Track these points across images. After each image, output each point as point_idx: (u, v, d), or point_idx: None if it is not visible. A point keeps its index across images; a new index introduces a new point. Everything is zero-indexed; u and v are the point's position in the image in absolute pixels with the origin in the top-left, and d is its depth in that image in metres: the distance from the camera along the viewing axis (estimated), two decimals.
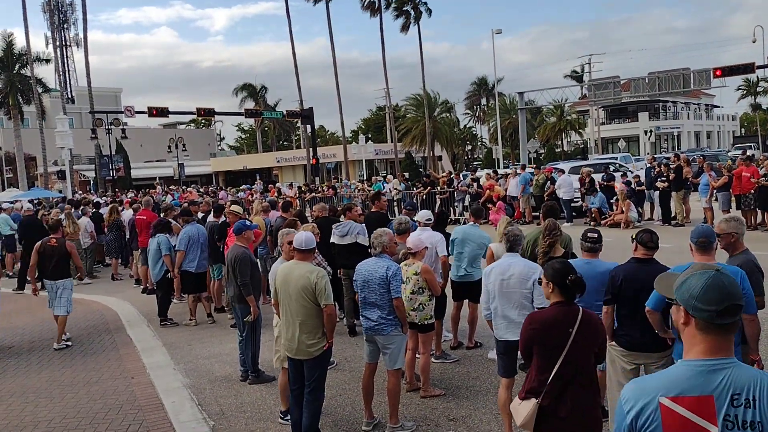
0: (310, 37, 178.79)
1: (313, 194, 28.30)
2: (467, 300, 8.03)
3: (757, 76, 71.81)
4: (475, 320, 7.96)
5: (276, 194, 26.28)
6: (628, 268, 4.93)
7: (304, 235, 5.72)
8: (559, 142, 63.28)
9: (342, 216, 9.50)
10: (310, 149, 39.87)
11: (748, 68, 27.66)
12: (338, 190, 27.73)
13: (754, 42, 36.97)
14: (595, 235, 5.47)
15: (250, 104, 65.39)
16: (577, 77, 66.51)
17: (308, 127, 39.33)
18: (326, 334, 5.55)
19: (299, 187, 32.54)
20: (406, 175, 34.58)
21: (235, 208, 10.36)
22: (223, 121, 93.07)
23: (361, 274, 5.92)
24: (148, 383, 7.60)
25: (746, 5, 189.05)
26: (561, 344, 3.75)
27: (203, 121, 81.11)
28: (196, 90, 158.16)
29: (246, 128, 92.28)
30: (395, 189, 25.09)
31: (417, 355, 6.71)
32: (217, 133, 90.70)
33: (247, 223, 8.31)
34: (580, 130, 63.65)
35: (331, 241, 8.95)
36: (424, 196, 23.56)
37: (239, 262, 7.30)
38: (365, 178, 43.04)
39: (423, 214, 7.78)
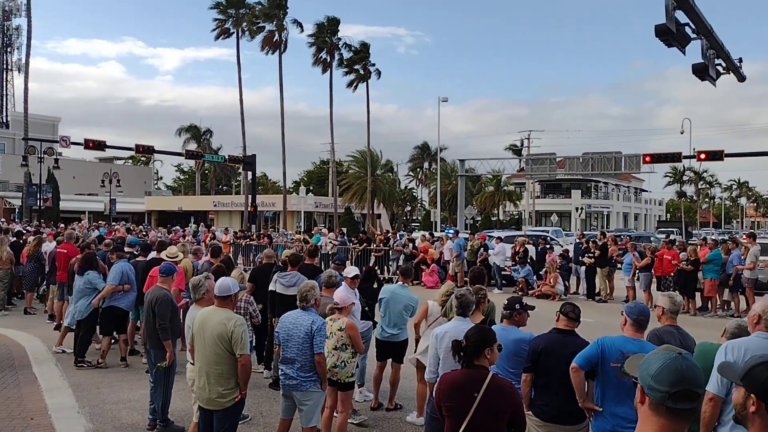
0: (260, 85, 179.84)
1: (248, 241, 27.90)
2: (391, 360, 7.94)
3: (684, 166, 76.30)
4: (397, 381, 7.87)
5: (210, 238, 25.78)
6: (550, 338, 5.00)
7: (223, 282, 5.59)
8: (496, 211, 64.88)
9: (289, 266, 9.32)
10: (250, 196, 39.49)
11: (676, 157, 29.25)
12: (274, 239, 27.41)
13: (682, 133, 39.30)
14: (516, 303, 5.55)
15: (192, 146, 64.68)
16: (516, 150, 68.74)
17: (249, 173, 39.05)
18: (240, 385, 5.38)
19: (234, 233, 32.03)
20: (344, 230, 34.58)
21: (171, 249, 10.04)
22: (162, 161, 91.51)
23: (285, 327, 5.80)
24: (48, 425, 7.12)
25: (675, 99, 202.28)
26: (466, 407, 3.74)
27: (141, 158, 79.52)
28: (136, 126, 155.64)
29: (186, 169, 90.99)
30: (331, 243, 25.01)
31: (335, 414, 6.56)
32: (154, 172, 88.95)
33: (174, 265, 8.09)
34: (516, 201, 65.50)
35: (272, 289, 8.80)
36: (359, 253, 23.56)
37: (160, 303, 7.05)
38: (303, 230, 42.81)
39: (349, 270, 7.73)
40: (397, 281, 8.22)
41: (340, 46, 49.80)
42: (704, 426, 3.97)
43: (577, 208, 57.69)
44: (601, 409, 4.51)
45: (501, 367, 5.30)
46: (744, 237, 18.19)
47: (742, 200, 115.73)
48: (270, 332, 8.70)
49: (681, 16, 11.74)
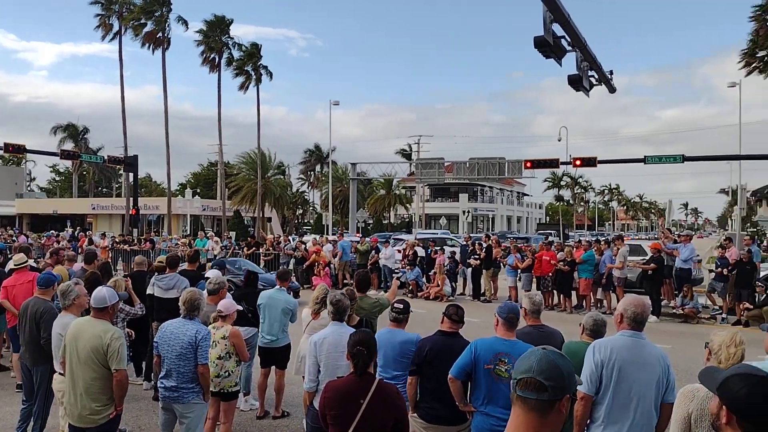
0: (143, 83, 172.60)
1: (129, 246, 26.57)
2: (274, 367, 7.77)
3: (561, 171, 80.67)
4: (282, 388, 7.71)
5: (87, 243, 24.30)
6: (435, 341, 5.05)
7: (98, 292, 5.23)
8: (387, 214, 65.69)
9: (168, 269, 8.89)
10: (131, 198, 37.64)
11: (554, 163, 30.80)
12: (156, 244, 26.27)
13: (559, 140, 41.57)
14: (401, 306, 5.56)
15: (69, 145, 60.89)
16: (406, 155, 69.95)
17: (131, 174, 37.19)
18: (115, 401, 5.05)
19: (113, 238, 30.42)
20: (232, 234, 33.72)
21: (18, 256, 9.20)
22: (35, 161, 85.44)
23: (165, 336, 5.52)
24: None
25: (550, 109, 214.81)
26: (351, 415, 3.70)
27: (12, 158, 73.89)
28: (5, 124, 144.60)
29: (62, 171, 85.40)
30: (218, 247, 24.29)
31: (218, 425, 6.33)
32: (27, 172, 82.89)
33: (53, 274, 7.48)
34: (407, 205, 66.65)
35: (149, 293, 8.38)
36: (247, 257, 23.04)
37: (46, 318, 6.43)
38: (188, 234, 41.35)
39: (215, 275, 7.46)
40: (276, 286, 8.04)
41: (230, 45, 48.58)
42: (576, 424, 4.14)
43: (464, 212, 59.50)
44: (476, 410, 4.61)
45: (386, 370, 5.31)
46: (615, 239, 19.41)
47: (614, 204, 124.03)
48: (151, 341, 8.28)
49: (558, 29, 12.33)
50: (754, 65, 44.39)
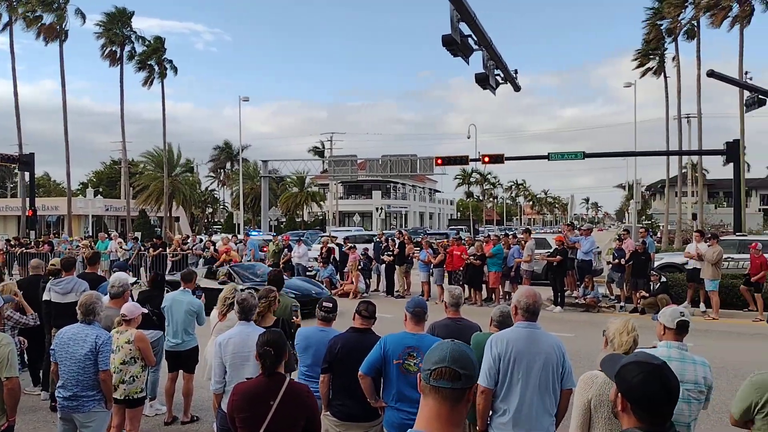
0: (38, 77, 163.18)
1: (25, 249, 25.06)
2: (182, 371, 7.53)
3: (471, 168, 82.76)
4: (190, 392, 7.48)
5: None
6: (346, 338, 5.03)
7: None
8: (300, 212, 65.20)
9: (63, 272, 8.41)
10: (27, 199, 35.53)
11: (463, 160, 31.55)
12: (56, 246, 24.90)
13: (468, 138, 42.52)
14: (330, 304, 5.52)
15: None
16: (319, 152, 69.66)
17: (27, 174, 35.08)
18: (6, 412, 4.74)
19: (7, 241, 28.61)
20: (137, 234, 32.47)
21: None
22: None
23: (63, 343, 5.23)
24: None
25: (459, 108, 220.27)
26: (261, 416, 3.63)
27: None
28: None
29: None
30: (122, 249, 23.30)
31: None
32: None
33: None
34: (320, 202, 66.42)
35: (46, 299, 7.91)
36: (153, 258, 22.24)
37: None
38: (89, 235, 39.53)
39: (118, 278, 7.15)
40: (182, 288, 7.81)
41: (132, 38, 46.65)
42: (479, 417, 4.25)
43: (377, 208, 59.89)
44: (387, 405, 4.64)
45: (314, 369, 5.24)
46: (522, 233, 20.07)
47: (520, 199, 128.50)
48: (47, 348, 7.84)
49: (465, 28, 12.62)
50: (647, 66, 47.03)
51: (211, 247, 22.10)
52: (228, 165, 72.08)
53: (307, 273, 21.11)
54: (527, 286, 4.68)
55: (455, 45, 12.26)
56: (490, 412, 4.20)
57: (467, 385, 1.97)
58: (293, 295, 13.49)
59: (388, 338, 4.67)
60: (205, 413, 7.51)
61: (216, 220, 75.92)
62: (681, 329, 4.07)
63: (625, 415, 2.17)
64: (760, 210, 74.17)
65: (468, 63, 13.73)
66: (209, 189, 73.38)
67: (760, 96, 19.83)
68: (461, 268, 17.89)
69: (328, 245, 21.64)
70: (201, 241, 24.32)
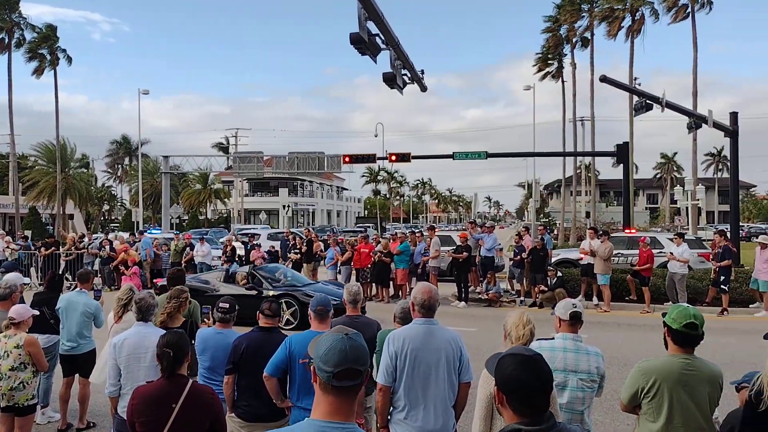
0: None
1: None
2: (78, 375, 7.17)
3: (378, 166, 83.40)
4: (87, 398, 7.13)
5: None
6: (252, 337, 4.95)
7: None
8: (204, 210, 63.46)
9: None
10: None
11: (371, 158, 31.74)
12: None
13: (375, 136, 42.79)
14: (227, 305, 5.38)
15: None
16: (223, 148, 68.04)
17: None
18: None
19: None
20: (27, 233, 30.56)
21: None
22: None
23: None
24: None
25: (366, 106, 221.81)
26: (163, 420, 3.53)
27: None
28: None
29: None
30: (9, 248, 21.86)
31: None
32: None
33: None
34: (225, 200, 64.89)
35: None
36: (45, 258, 21.01)
37: None
38: None
39: (7, 278, 6.75)
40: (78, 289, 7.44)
41: (22, 25, 43.78)
42: (379, 414, 4.31)
43: (284, 206, 59.28)
44: (293, 405, 4.61)
45: (218, 372, 5.11)
46: (427, 230, 20.44)
47: (426, 197, 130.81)
48: None
49: (372, 27, 12.71)
50: (546, 71, 49.10)
51: (107, 246, 21.13)
52: (126, 160, 69.15)
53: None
54: (424, 282, 4.76)
55: (363, 43, 12.32)
56: (390, 408, 4.25)
57: (365, 377, 2.07)
58: (335, 302, 12.84)
59: (293, 338, 4.64)
60: (102, 419, 7.18)
61: (113, 217, 72.55)
62: (574, 320, 4.28)
63: (503, 409, 2.20)
64: (646, 208, 79.12)
65: (375, 62, 13.84)
66: (106, 185, 70.11)
67: (647, 101, 21.14)
68: (369, 266, 18.02)
69: (233, 243, 21.19)
70: (97, 239, 23.21)
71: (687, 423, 3.60)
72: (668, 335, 3.73)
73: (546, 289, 16.17)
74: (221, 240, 24.18)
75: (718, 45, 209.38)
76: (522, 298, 17.16)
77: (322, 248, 20.22)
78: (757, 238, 17.73)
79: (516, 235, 19.59)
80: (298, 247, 19.94)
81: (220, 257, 21.35)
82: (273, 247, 21.06)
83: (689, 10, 38.59)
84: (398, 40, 14.06)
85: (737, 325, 13.47)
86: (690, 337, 3.63)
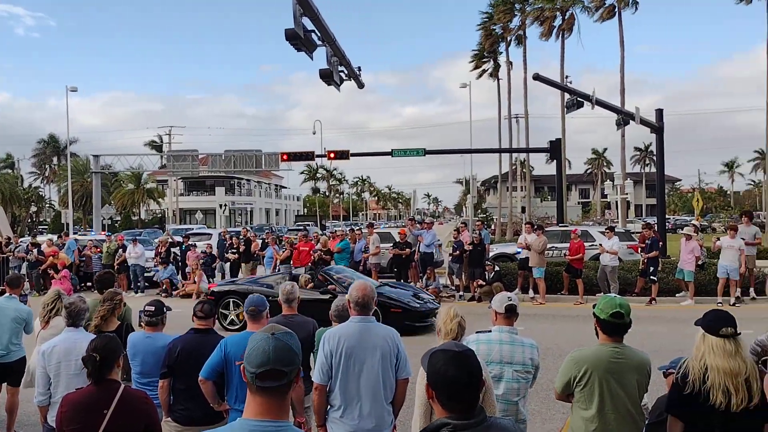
0: None
1: None
2: (6, 384, 6.84)
3: (317, 164, 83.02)
4: (15, 407, 6.81)
5: None
6: (187, 339, 4.85)
7: None
8: (137, 210, 61.69)
9: None
10: None
11: (309, 156, 31.49)
12: None
13: (314, 134, 42.51)
14: (152, 308, 5.22)
15: None
16: (157, 146, 66.35)
17: None
18: None
19: None
20: None
21: None
22: None
23: None
24: None
25: (303, 103, 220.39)
26: (94, 427, 3.40)
27: None
28: None
29: None
30: None
31: None
32: None
33: None
34: (159, 200, 63.23)
35: None
36: None
37: None
38: None
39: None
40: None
41: None
42: (316, 413, 4.30)
43: (221, 205, 58.29)
44: (231, 408, 4.54)
45: (147, 376, 4.97)
46: (367, 228, 20.47)
47: (366, 195, 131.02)
48: None
49: (308, 24, 12.61)
50: (482, 68, 49.84)
51: (35, 250, 20.29)
52: (54, 160, 66.55)
53: (146, 275, 20.05)
54: (360, 280, 4.77)
55: (298, 40, 12.21)
56: (328, 407, 4.24)
57: (292, 377, 2.04)
58: (397, 307, 12.07)
59: (228, 340, 4.56)
60: (32, 428, 6.88)
61: (42, 219, 69.70)
62: (509, 313, 4.37)
63: (434, 403, 2.21)
64: (579, 203, 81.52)
65: (312, 58, 13.74)
66: (33, 186, 67.22)
67: (578, 98, 21.75)
68: (309, 264, 17.90)
69: (168, 243, 20.67)
70: (24, 242, 22.24)
71: (617, 409, 3.72)
72: (597, 325, 3.85)
73: (484, 283, 16.45)
74: (155, 240, 23.52)
75: (645, 45, 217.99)
76: (461, 293, 17.40)
77: (260, 247, 19.97)
78: (682, 230, 18.51)
79: (455, 230, 19.84)
80: (235, 246, 19.62)
81: (153, 258, 20.76)
82: (210, 246, 20.62)
83: (616, 9, 39.93)
84: (334, 37, 14.00)
85: (665, 314, 14.03)
86: (617, 326, 3.76)
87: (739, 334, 3.42)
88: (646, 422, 3.95)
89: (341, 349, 4.12)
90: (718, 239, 15.72)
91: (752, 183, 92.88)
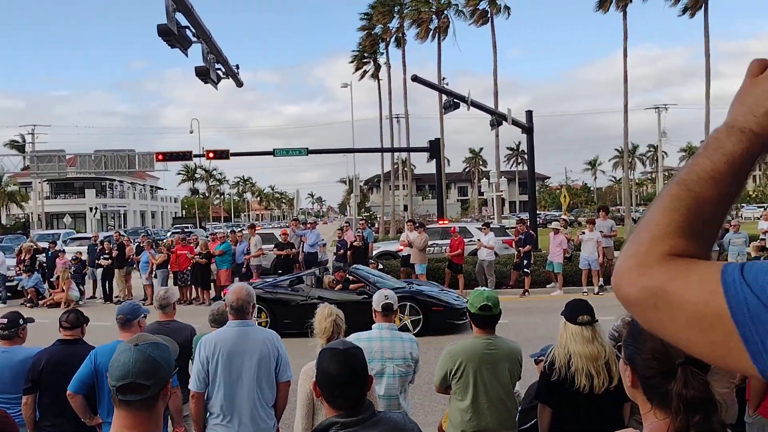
0: None
1: None
2: None
3: (195, 164, 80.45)
4: None
5: None
6: (53, 351, 4.59)
7: None
8: None
9: None
10: None
11: (187, 156, 30.39)
12: None
13: (191, 133, 41.22)
14: (5, 321, 4.83)
15: None
16: (19, 146, 61.58)
17: None
18: None
19: None
20: None
21: None
22: None
23: None
24: None
25: (179, 101, 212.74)
26: None
27: None
28: None
29: None
30: None
31: None
32: None
33: None
34: (22, 203, 58.73)
35: None
36: None
37: None
38: None
39: None
40: None
41: None
42: (194, 421, 4.19)
43: (91, 208, 55.03)
44: (104, 422, 4.33)
45: (7, 395, 4.61)
46: (248, 229, 20.09)
47: (248, 195, 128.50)
48: None
49: (182, 19, 12.18)
50: (363, 69, 50.35)
51: None
52: None
53: (8, 284, 18.58)
54: (241, 284, 4.70)
55: (172, 36, 11.77)
56: (207, 414, 4.14)
57: (157, 390, 1.98)
58: (439, 306, 11.58)
59: (99, 350, 4.35)
60: None
61: None
62: (387, 311, 4.47)
63: (323, 401, 2.26)
64: (458, 200, 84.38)
65: (187, 55, 13.31)
66: None
67: (455, 100, 22.51)
68: (188, 268, 17.33)
69: (32, 250, 19.24)
70: None
71: (490, 399, 3.91)
72: (470, 319, 4.03)
73: None
74: (18, 247, 21.83)
75: (516, 48, 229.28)
76: None
77: (135, 252, 19.07)
78: (551, 224, 19.66)
79: (338, 230, 19.92)
80: (107, 252, 18.60)
81: (15, 266, 19.25)
82: (80, 253, 19.43)
83: (489, 15, 41.67)
84: (210, 33, 13.63)
85: (538, 304, 14.83)
86: (486, 318, 3.95)
87: (596, 321, 3.69)
88: (519, 408, 4.17)
89: (218, 354, 4.03)
90: (583, 233, 16.84)
91: (613, 179, 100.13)
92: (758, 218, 20.20)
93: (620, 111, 35.91)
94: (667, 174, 63.57)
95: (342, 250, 17.50)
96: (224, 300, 4.36)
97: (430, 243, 17.48)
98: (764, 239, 17.11)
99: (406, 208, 49.80)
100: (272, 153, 28.00)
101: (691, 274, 0.82)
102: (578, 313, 3.65)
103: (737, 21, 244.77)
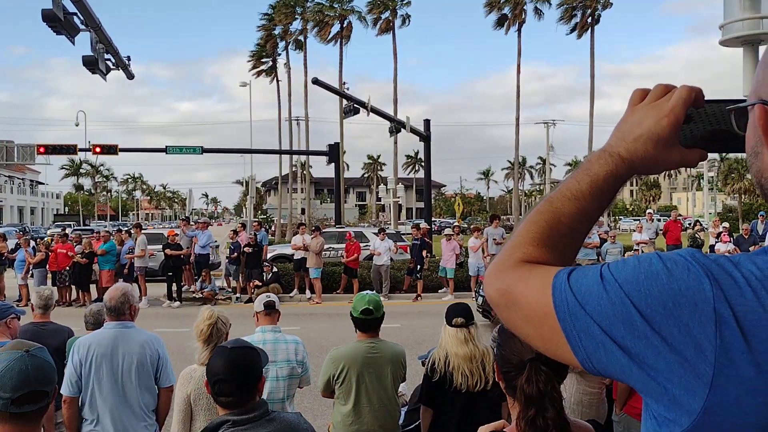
0: None
1: None
2: None
3: (80, 158, 76.26)
4: None
5: None
6: None
7: None
8: None
9: None
10: None
11: (71, 149, 28.74)
12: None
13: (77, 125, 38.98)
14: None
15: None
16: None
17: None
18: None
19: None
20: None
21: None
22: None
23: None
24: None
25: (63, 92, 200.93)
26: None
27: None
28: None
29: None
30: None
31: None
32: None
33: None
34: None
35: None
36: None
37: None
38: None
39: None
40: None
41: None
42: (67, 429, 3.93)
43: None
44: None
45: None
46: (134, 228, 19.26)
47: (138, 193, 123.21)
48: None
49: (69, 5, 11.53)
50: (261, 69, 49.66)
51: None
52: None
53: None
54: (118, 284, 4.50)
55: (58, 22, 11.11)
56: (82, 420, 3.93)
57: (51, 396, 1.86)
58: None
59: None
60: None
61: None
62: (269, 309, 4.38)
63: (216, 400, 2.27)
64: (356, 205, 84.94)
65: (74, 43, 12.61)
66: None
67: (355, 105, 22.63)
68: (68, 268, 16.38)
69: None
70: None
71: (371, 402, 3.96)
72: (353, 323, 4.08)
73: (261, 284, 16.37)
74: None
75: (415, 57, 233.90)
76: (238, 295, 17.14)
77: (9, 250, 17.81)
78: (444, 231, 20.17)
79: (232, 231, 19.49)
80: None
81: None
82: None
83: (391, 24, 42.31)
84: (100, 22, 12.97)
85: (430, 309, 15.14)
86: (368, 321, 4.01)
87: (473, 323, 3.84)
88: (406, 409, 4.25)
89: (91, 357, 3.84)
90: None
91: (505, 189, 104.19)
92: (633, 230, 21.73)
93: (512, 124, 37.51)
94: (552, 186, 66.94)
95: (235, 253, 17.13)
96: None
97: (326, 247, 17.46)
98: (638, 249, 18.36)
99: (303, 211, 49.50)
100: (165, 150, 27.04)
101: (532, 276, 0.90)
102: (454, 315, 3.80)
103: (621, 45, 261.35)
